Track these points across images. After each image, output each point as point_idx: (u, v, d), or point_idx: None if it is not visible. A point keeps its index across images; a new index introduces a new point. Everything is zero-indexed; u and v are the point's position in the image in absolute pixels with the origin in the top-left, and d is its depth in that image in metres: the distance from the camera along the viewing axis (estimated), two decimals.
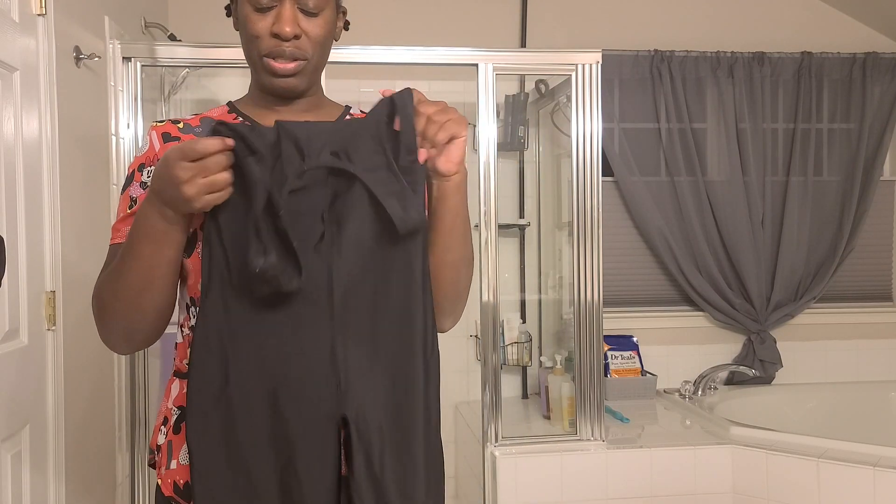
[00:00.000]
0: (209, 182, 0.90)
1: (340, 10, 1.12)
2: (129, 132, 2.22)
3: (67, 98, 1.85)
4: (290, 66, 1.04)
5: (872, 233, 3.37)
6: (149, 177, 1.06)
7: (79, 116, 1.93)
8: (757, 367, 3.17)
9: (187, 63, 2.33)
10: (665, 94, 3.14)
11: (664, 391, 3.12)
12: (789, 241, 3.20)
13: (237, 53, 2.24)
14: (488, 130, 2.31)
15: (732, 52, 3.16)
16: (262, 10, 1.03)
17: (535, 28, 3.19)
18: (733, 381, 3.23)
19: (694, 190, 3.16)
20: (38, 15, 1.71)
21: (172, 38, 2.59)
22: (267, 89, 1.09)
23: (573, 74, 2.36)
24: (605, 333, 2.43)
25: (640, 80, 3.16)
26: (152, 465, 1.11)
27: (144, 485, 2.25)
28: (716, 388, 3.10)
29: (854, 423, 2.99)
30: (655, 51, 3.13)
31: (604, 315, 2.40)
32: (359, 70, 2.48)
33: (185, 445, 1.03)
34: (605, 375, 2.97)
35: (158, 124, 1.11)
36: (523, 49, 3.09)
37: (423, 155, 0.99)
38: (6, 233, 1.55)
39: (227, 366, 0.96)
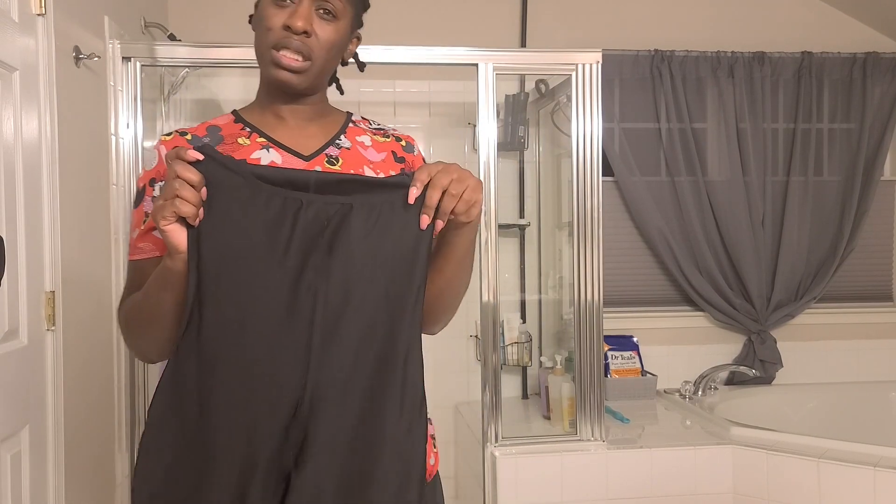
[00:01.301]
0: (172, 208, 0.91)
1: (355, 34, 1.16)
2: (128, 132, 2.22)
3: (67, 98, 1.84)
4: (297, 61, 1.06)
5: (873, 233, 3.37)
6: (155, 196, 1.07)
7: (78, 116, 1.93)
8: (757, 367, 3.16)
9: (187, 63, 2.33)
10: (665, 94, 3.13)
11: (664, 391, 3.12)
12: (789, 241, 3.20)
13: (237, 53, 2.24)
14: (488, 130, 2.31)
15: (733, 52, 3.16)
16: (281, 6, 1.06)
17: (535, 28, 3.19)
18: (733, 381, 3.23)
19: (694, 190, 3.16)
20: (38, 15, 1.71)
21: (172, 37, 2.59)
22: (270, 82, 1.11)
23: (573, 74, 2.36)
24: (605, 333, 2.43)
25: (641, 79, 3.16)
26: None
27: None
28: (716, 389, 3.10)
29: (854, 424, 2.99)
30: (656, 51, 3.12)
31: (604, 315, 2.40)
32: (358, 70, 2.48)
33: None
34: (606, 375, 2.97)
35: (166, 138, 1.12)
36: (523, 49, 3.08)
37: (425, 221, 0.99)
38: (6, 233, 1.54)
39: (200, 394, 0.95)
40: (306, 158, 1.11)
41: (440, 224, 1.00)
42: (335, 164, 1.11)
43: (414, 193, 0.98)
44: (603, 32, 3.22)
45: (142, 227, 1.09)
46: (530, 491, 2.35)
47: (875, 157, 3.24)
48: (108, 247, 2.15)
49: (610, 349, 3.05)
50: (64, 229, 1.81)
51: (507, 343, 2.96)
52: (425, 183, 0.98)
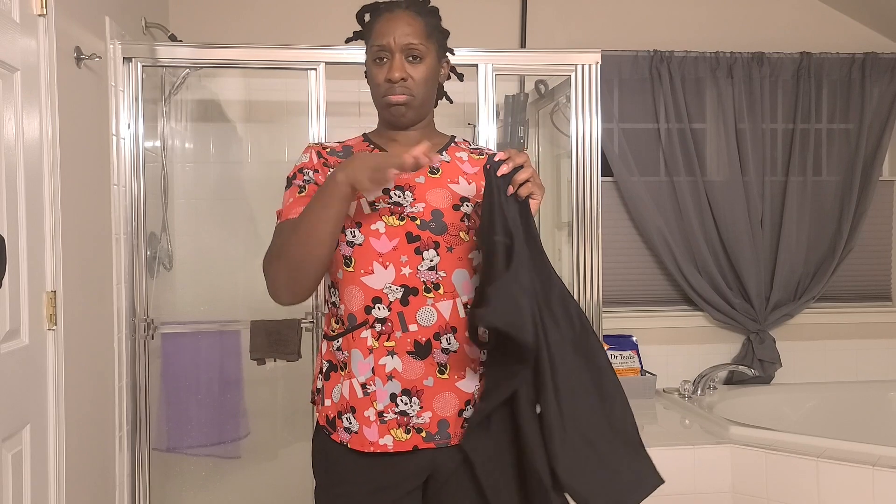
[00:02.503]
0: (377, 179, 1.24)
1: (444, 60, 1.48)
2: (129, 132, 2.23)
3: (68, 98, 1.85)
4: (401, 98, 1.38)
5: (871, 233, 3.37)
6: (307, 179, 1.40)
7: (79, 117, 1.94)
8: (756, 366, 3.17)
9: (188, 63, 2.33)
10: (664, 95, 3.14)
11: (663, 391, 3.12)
12: (788, 241, 3.20)
13: (237, 54, 2.24)
14: (488, 130, 2.32)
15: (732, 53, 3.16)
16: (380, 64, 1.39)
17: (534, 28, 3.19)
18: (732, 380, 3.24)
19: (693, 190, 3.17)
20: (39, 15, 1.72)
21: (173, 38, 2.60)
22: (387, 120, 1.43)
23: (573, 75, 2.36)
24: (604, 333, 2.44)
25: (640, 80, 3.17)
26: (313, 402, 1.45)
27: (144, 485, 2.25)
28: (715, 388, 3.10)
29: (853, 423, 3.00)
30: (655, 51, 3.13)
31: (603, 315, 2.40)
32: (359, 70, 2.48)
33: (333, 388, 1.38)
34: None
35: (315, 144, 1.48)
36: (523, 49, 3.09)
37: (503, 169, 1.28)
38: (7, 233, 1.55)
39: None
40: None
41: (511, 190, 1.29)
42: (436, 174, 1.41)
43: (504, 170, 1.28)
44: (602, 33, 3.23)
45: (297, 197, 1.39)
46: None
47: (874, 157, 3.24)
48: (110, 247, 2.16)
49: (609, 349, 3.06)
50: (65, 229, 1.81)
51: None
52: (516, 161, 1.28)
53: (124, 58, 2.20)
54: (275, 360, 2.34)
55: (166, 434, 2.53)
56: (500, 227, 1.25)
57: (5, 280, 1.52)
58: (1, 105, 1.55)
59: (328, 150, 1.46)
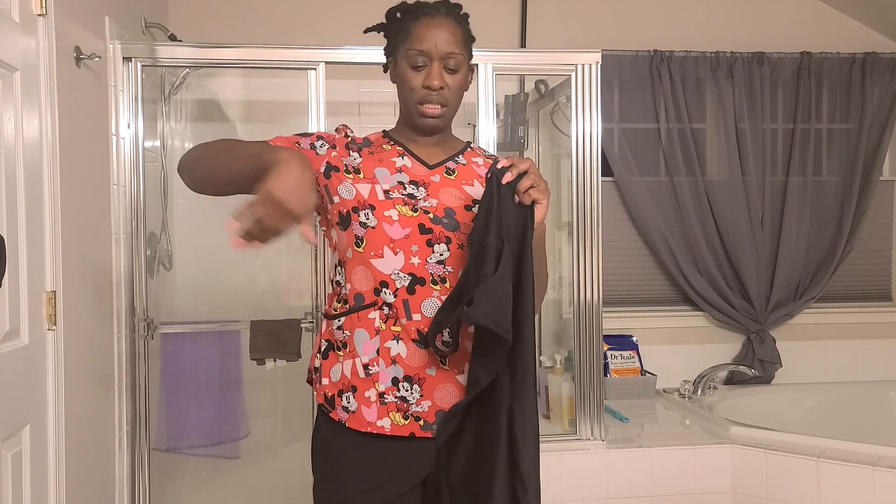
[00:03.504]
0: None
1: (471, 68, 1.49)
2: (129, 132, 2.23)
3: (68, 98, 1.85)
4: (438, 110, 1.40)
5: (872, 233, 3.37)
6: (321, 147, 1.42)
7: (79, 116, 1.93)
8: (756, 366, 3.17)
9: (187, 63, 2.33)
10: (664, 95, 3.14)
11: (664, 391, 3.12)
12: (789, 241, 3.20)
13: (237, 53, 2.24)
14: (488, 130, 2.32)
15: (732, 52, 3.16)
16: (417, 69, 1.39)
17: (535, 28, 3.19)
18: (733, 380, 3.24)
19: (693, 190, 3.17)
20: (39, 15, 1.72)
21: (173, 38, 2.60)
22: (418, 127, 1.44)
23: (573, 74, 2.36)
24: (604, 333, 2.43)
25: (640, 80, 3.16)
26: (310, 382, 1.48)
27: (144, 485, 2.25)
28: (715, 388, 3.10)
29: (853, 423, 2.99)
30: (655, 51, 3.13)
31: (603, 315, 2.40)
32: (359, 70, 2.49)
33: (332, 367, 1.40)
34: (605, 375, 2.98)
35: (343, 127, 1.49)
36: (523, 49, 3.09)
37: (507, 177, 1.29)
38: (7, 232, 1.55)
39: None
40: (430, 167, 1.43)
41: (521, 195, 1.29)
42: (452, 175, 1.43)
43: (508, 178, 1.29)
44: (602, 33, 3.23)
45: (286, 139, 1.42)
46: None
47: (874, 156, 3.24)
48: (109, 247, 2.16)
49: (609, 349, 3.06)
50: (65, 229, 1.81)
51: None
52: (519, 168, 1.29)
53: (124, 57, 2.20)
54: (275, 361, 2.34)
55: (166, 434, 2.53)
56: (495, 231, 1.26)
57: (5, 280, 1.51)
58: (1, 105, 1.55)
59: (349, 140, 1.48)
